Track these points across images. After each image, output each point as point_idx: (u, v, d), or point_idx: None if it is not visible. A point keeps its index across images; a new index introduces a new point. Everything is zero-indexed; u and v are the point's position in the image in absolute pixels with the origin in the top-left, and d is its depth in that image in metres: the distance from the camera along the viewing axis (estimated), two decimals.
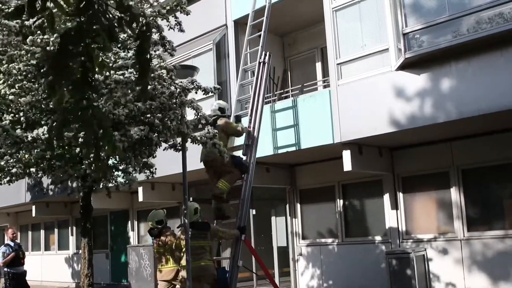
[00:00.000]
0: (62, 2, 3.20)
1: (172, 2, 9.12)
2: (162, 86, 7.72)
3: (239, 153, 10.36)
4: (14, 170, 9.79)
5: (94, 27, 3.05)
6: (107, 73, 7.04)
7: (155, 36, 8.42)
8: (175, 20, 9.09)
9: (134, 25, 3.24)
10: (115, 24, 3.18)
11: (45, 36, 7.34)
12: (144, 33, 3.27)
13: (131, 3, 7.13)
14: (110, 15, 3.15)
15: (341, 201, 12.63)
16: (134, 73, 7.40)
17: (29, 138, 7.85)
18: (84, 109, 3.16)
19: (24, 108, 8.48)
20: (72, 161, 8.79)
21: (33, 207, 19.27)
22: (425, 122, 9.35)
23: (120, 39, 8.93)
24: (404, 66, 9.53)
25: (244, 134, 10.24)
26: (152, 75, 7.55)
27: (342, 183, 12.58)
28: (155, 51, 8.62)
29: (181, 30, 8.99)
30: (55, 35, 7.19)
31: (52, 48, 7.24)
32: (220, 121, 9.95)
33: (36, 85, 8.34)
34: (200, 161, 9.91)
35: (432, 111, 9.21)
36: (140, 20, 3.27)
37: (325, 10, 10.99)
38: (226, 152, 8.87)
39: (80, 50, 3.08)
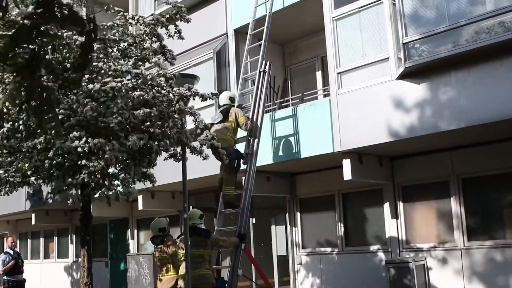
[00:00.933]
0: None
1: (172, 10, 9.14)
2: (161, 94, 7.73)
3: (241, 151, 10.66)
4: (12, 179, 9.78)
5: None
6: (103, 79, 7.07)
7: (155, 45, 8.44)
8: (175, 28, 9.11)
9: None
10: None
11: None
12: (88, 33, 3.30)
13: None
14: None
15: (341, 210, 12.60)
16: (132, 80, 7.43)
17: (26, 147, 7.85)
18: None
19: (23, 116, 8.48)
20: (71, 170, 8.77)
21: (33, 215, 19.23)
22: (425, 132, 9.34)
23: (120, 47, 8.96)
24: (404, 76, 9.54)
25: (248, 128, 10.61)
26: (150, 83, 7.57)
27: (342, 192, 12.57)
28: (153, 60, 8.64)
29: (181, 38, 9.02)
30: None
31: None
32: (233, 109, 10.66)
33: None
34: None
35: (432, 121, 9.21)
36: (87, 23, 3.29)
37: (325, 19, 11.02)
38: (225, 153, 9.26)
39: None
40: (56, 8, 3.10)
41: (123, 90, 7.45)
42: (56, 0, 3.12)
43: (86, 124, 7.98)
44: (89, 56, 3.40)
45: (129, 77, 7.57)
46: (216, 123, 10.51)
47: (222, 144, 9.52)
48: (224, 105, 10.78)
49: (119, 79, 7.56)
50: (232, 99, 10.95)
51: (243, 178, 10.45)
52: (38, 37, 3.13)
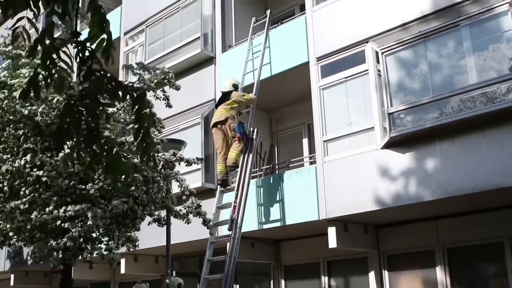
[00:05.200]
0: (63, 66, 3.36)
1: (160, 76, 9.27)
2: (147, 160, 7.75)
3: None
4: None
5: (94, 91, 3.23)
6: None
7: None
8: (163, 95, 9.22)
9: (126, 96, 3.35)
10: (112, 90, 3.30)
11: (33, 107, 7.40)
12: (140, 99, 3.35)
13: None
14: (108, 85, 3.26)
15: (326, 278, 12.46)
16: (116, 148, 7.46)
17: (8, 208, 7.77)
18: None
19: (9, 176, 8.46)
20: (54, 233, 8.67)
21: (12, 275, 18.83)
22: (410, 201, 9.39)
23: (109, 111, 9.02)
24: (389, 145, 9.66)
25: (254, 102, 11.63)
26: (135, 149, 7.60)
27: (327, 259, 12.46)
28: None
29: (169, 106, 9.12)
30: (42, 106, 7.29)
31: (39, 118, 7.33)
32: (235, 93, 11.45)
33: (14, 155, 8.38)
34: (211, 125, 11.41)
35: (417, 190, 9.27)
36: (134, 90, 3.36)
37: (312, 88, 11.22)
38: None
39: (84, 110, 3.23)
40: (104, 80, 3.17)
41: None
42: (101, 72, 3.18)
43: (64, 193, 7.96)
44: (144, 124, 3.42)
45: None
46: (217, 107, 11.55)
47: (221, 118, 11.06)
48: (228, 91, 11.54)
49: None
50: (235, 86, 11.68)
51: (228, 243, 10.31)
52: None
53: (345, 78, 10.78)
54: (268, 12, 13.08)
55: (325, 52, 11.22)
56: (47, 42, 3.22)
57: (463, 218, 10.44)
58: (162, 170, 7.96)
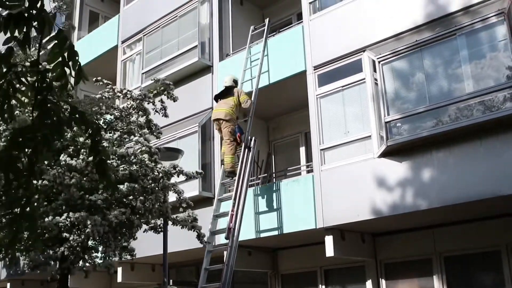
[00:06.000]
0: (19, 96, 3.34)
1: (159, 86, 9.29)
2: (145, 170, 7.76)
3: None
4: None
5: (45, 121, 3.18)
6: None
7: (142, 119, 8.53)
8: (161, 105, 9.24)
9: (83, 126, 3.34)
10: (65, 122, 3.28)
11: None
12: (94, 133, 3.35)
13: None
14: (62, 114, 3.26)
15: (323, 286, 12.43)
16: (116, 159, 7.47)
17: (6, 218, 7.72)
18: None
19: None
20: (51, 242, 8.65)
21: (8, 284, 18.78)
22: (406, 210, 9.40)
23: (106, 120, 9.05)
24: (386, 154, 9.68)
25: (245, 106, 11.60)
26: (134, 160, 7.62)
27: (324, 268, 12.44)
28: (140, 135, 8.71)
29: (166, 116, 9.13)
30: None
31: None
32: (236, 89, 11.79)
33: None
34: (212, 119, 11.81)
35: (414, 199, 9.28)
36: (91, 121, 3.35)
37: (310, 97, 11.24)
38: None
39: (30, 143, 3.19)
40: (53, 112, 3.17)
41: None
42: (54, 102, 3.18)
43: (74, 203, 7.96)
44: (102, 158, 3.42)
45: (112, 158, 7.63)
46: (218, 102, 11.85)
47: (223, 116, 11.31)
48: (228, 86, 11.89)
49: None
50: (236, 81, 12.06)
51: (225, 252, 10.32)
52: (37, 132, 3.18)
53: (342, 87, 10.82)
54: (266, 20, 13.13)
55: (322, 61, 11.25)
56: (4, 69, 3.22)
57: (460, 226, 10.45)
58: (161, 181, 7.96)
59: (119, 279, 14.74)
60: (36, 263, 8.86)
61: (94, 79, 9.24)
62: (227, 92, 11.83)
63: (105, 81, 9.11)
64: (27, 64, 3.29)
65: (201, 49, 13.87)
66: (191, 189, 12.12)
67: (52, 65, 3.19)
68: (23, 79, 3.22)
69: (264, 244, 12.51)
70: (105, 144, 7.84)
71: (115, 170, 7.70)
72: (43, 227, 8.09)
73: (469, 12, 9.28)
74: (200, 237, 8.58)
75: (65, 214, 7.81)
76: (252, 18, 14.65)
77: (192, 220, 8.23)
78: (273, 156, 14.42)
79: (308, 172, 12.35)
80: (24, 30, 3.13)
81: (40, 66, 3.23)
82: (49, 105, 3.17)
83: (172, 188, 8.18)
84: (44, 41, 3.22)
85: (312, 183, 10.82)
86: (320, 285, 12.47)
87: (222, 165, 11.81)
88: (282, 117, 14.12)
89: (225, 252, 10.33)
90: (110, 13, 19.12)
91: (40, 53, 3.41)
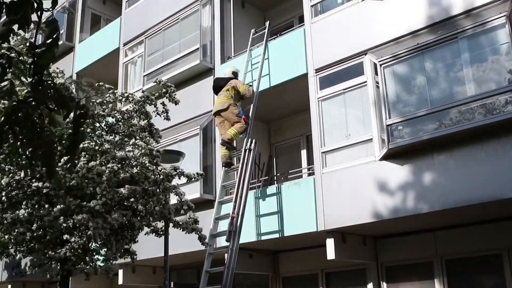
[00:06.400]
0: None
1: (161, 89, 9.30)
2: (146, 172, 7.76)
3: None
4: None
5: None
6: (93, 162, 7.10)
7: (143, 122, 8.53)
8: (163, 108, 9.25)
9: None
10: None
11: None
12: (78, 118, 3.42)
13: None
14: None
15: None
16: (117, 163, 7.48)
17: (9, 219, 7.76)
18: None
19: (6, 189, 8.45)
20: (52, 243, 8.66)
21: (9, 286, 18.78)
22: (408, 213, 9.39)
23: (108, 123, 9.05)
24: (387, 157, 9.67)
25: (248, 95, 11.79)
26: (134, 163, 7.62)
27: (325, 271, 12.43)
28: (141, 138, 8.71)
29: (167, 119, 9.14)
30: None
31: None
32: (234, 80, 11.93)
33: (13, 167, 8.39)
34: (213, 113, 11.97)
35: (415, 202, 9.27)
36: (75, 105, 3.41)
37: (311, 99, 11.25)
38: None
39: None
40: (48, 90, 3.22)
41: (107, 173, 7.51)
42: (49, 83, 3.23)
43: (72, 212, 7.98)
44: (78, 138, 3.49)
45: (113, 162, 7.65)
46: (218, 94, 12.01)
47: (223, 106, 11.52)
48: (228, 77, 12.08)
49: (103, 167, 7.64)
50: (235, 73, 12.23)
51: (226, 254, 10.32)
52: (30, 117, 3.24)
53: (344, 89, 10.82)
54: (267, 23, 13.13)
55: (323, 64, 11.26)
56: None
57: (462, 230, 10.44)
58: (162, 183, 7.96)
59: (120, 281, 14.74)
60: (40, 262, 8.87)
61: (96, 84, 9.27)
62: (225, 83, 12.02)
63: (107, 86, 9.13)
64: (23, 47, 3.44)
65: (203, 51, 13.89)
66: (192, 192, 12.11)
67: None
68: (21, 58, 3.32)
69: (265, 246, 12.51)
70: (106, 146, 7.84)
71: (116, 173, 7.70)
72: (44, 228, 8.10)
73: (471, 15, 9.29)
74: (201, 239, 8.58)
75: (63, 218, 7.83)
76: (254, 20, 14.67)
77: (193, 222, 8.21)
78: (274, 159, 14.43)
79: (310, 174, 12.36)
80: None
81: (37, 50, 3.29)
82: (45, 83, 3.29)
83: (173, 190, 8.17)
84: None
85: (313, 185, 10.82)
86: None
87: (223, 165, 11.89)
88: (284, 119, 14.13)
89: (226, 255, 10.33)
90: (112, 16, 19.15)
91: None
